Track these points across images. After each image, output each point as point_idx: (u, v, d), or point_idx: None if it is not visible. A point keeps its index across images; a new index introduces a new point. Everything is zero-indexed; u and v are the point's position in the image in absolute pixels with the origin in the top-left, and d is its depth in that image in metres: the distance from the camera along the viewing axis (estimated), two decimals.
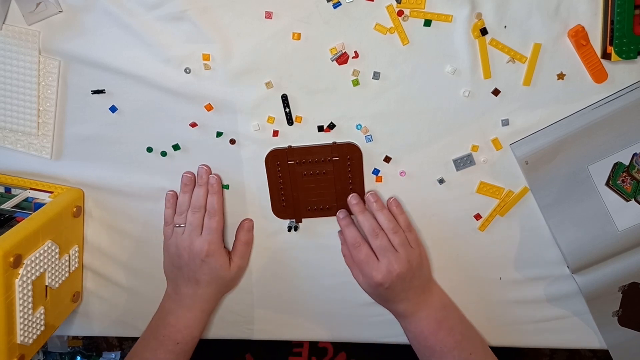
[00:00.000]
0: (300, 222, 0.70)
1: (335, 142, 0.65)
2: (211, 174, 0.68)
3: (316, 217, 0.69)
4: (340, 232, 0.69)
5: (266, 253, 0.72)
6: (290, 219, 0.70)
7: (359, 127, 0.65)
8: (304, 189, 0.67)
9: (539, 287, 0.70)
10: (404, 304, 0.66)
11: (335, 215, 0.68)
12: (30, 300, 0.60)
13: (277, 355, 0.85)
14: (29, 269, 0.59)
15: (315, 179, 0.67)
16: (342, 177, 0.66)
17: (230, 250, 0.71)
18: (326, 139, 0.66)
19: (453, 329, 0.66)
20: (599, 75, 0.60)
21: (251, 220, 0.70)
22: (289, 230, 0.70)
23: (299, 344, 0.85)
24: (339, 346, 0.86)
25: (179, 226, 0.68)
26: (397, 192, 0.67)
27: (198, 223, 0.67)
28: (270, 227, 0.71)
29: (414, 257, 0.65)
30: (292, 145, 0.66)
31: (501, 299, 0.71)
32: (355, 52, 0.61)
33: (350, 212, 0.68)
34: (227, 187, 0.69)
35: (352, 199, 0.67)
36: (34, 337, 0.63)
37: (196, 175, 0.68)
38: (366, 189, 0.67)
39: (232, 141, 0.66)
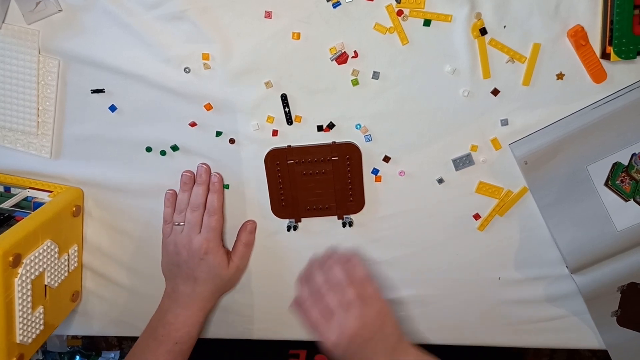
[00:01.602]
0: (300, 221, 0.70)
1: (334, 142, 0.65)
2: (211, 172, 0.68)
3: (315, 216, 0.69)
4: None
5: (265, 252, 0.72)
6: (289, 218, 0.70)
7: (358, 126, 0.65)
8: (304, 188, 0.67)
9: (538, 287, 0.70)
10: None
11: (334, 215, 0.68)
12: (29, 299, 0.60)
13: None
14: (28, 268, 0.59)
15: (315, 179, 0.67)
16: (341, 177, 0.66)
17: (231, 250, 0.71)
18: (325, 138, 0.66)
19: None
20: (598, 75, 0.60)
21: (254, 222, 0.70)
22: (288, 229, 0.70)
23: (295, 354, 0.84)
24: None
25: (178, 224, 0.68)
26: (396, 192, 0.67)
27: (197, 221, 0.67)
28: (270, 227, 0.71)
29: (370, 314, 0.58)
30: (292, 144, 0.66)
31: (500, 299, 0.72)
32: (355, 51, 0.61)
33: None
34: (227, 187, 0.69)
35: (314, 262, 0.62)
36: (33, 336, 0.63)
37: (195, 173, 0.68)
38: (365, 189, 0.67)
39: (232, 141, 0.66)
